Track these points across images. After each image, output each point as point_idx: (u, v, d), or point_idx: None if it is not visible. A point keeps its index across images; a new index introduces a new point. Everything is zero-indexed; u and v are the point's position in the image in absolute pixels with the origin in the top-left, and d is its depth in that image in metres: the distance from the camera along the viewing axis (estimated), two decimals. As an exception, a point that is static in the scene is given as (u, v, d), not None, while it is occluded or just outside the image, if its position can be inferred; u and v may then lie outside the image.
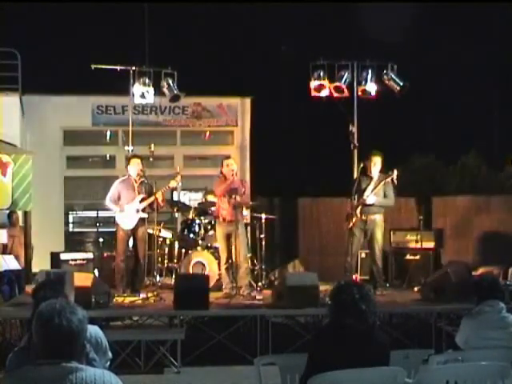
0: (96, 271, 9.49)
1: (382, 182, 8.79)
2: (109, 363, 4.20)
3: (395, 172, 8.79)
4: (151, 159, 9.44)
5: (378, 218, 8.92)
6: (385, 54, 11.02)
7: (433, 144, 17.48)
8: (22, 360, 3.41)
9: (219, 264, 9.25)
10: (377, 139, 10.55)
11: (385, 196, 8.93)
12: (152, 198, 8.88)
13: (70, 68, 14.70)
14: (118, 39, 15.19)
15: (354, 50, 11.68)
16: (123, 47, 14.29)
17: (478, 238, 11.99)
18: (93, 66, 10.34)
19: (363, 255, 9.91)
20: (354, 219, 8.86)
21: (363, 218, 8.85)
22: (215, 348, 7.57)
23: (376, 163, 8.91)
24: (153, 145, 9.41)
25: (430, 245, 10.44)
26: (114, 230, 9.27)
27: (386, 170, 8.96)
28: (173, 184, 9.03)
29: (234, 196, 8.74)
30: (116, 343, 6.54)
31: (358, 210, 8.82)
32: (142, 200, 8.92)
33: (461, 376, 3.97)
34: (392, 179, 8.78)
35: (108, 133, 13.30)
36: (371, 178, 8.89)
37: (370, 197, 8.77)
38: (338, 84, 10.35)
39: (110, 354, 4.25)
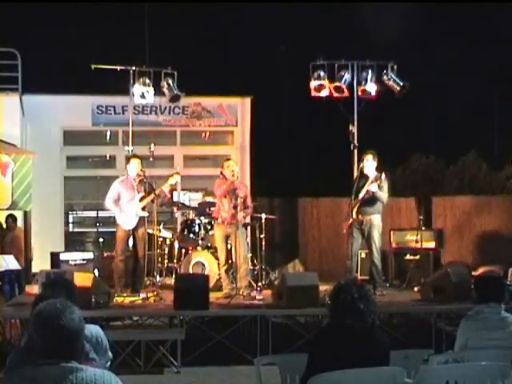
0: (96, 271, 9.48)
1: (375, 180, 8.75)
2: (109, 363, 4.20)
3: (383, 174, 8.77)
4: (151, 159, 9.43)
5: (375, 218, 8.89)
6: (385, 54, 11.02)
7: (433, 144, 17.50)
8: (22, 360, 3.41)
9: (219, 264, 9.24)
10: (377, 139, 10.56)
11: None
12: (151, 196, 8.87)
13: (70, 68, 14.71)
14: (118, 39, 15.21)
15: (354, 50, 11.67)
16: (123, 47, 14.31)
17: (478, 238, 11.99)
18: (93, 66, 10.33)
19: (363, 255, 9.90)
20: (350, 220, 8.85)
21: (360, 218, 8.84)
22: (215, 348, 7.56)
23: (368, 161, 8.89)
24: (153, 145, 9.41)
25: (430, 245, 10.44)
26: (114, 229, 9.26)
27: (382, 169, 8.93)
28: (171, 181, 9.02)
29: (234, 198, 8.74)
30: (116, 343, 6.54)
31: (354, 211, 8.81)
32: (142, 199, 8.91)
33: (461, 376, 3.97)
34: (380, 181, 8.73)
35: (108, 133, 13.30)
36: (367, 178, 8.88)
37: (372, 185, 8.71)
38: (338, 84, 10.35)
39: (110, 354, 4.24)
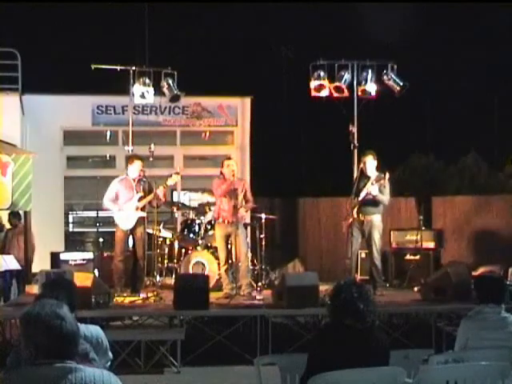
0: (96, 271, 9.48)
1: (376, 180, 8.74)
2: (109, 363, 4.20)
3: (387, 175, 8.75)
4: (151, 159, 9.43)
5: (375, 218, 8.88)
6: (385, 54, 11.03)
7: (433, 144, 17.52)
8: (22, 360, 3.40)
9: (219, 264, 9.24)
10: (377, 139, 10.56)
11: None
12: (150, 197, 8.86)
13: (70, 68, 14.72)
14: (118, 39, 15.21)
15: (354, 50, 11.67)
16: (123, 47, 14.31)
17: (478, 238, 11.98)
18: (93, 66, 10.33)
19: (363, 255, 9.90)
20: (350, 220, 8.85)
21: (360, 218, 8.83)
22: (215, 348, 7.56)
23: (368, 162, 8.88)
24: (153, 145, 9.40)
25: (430, 245, 10.45)
26: (114, 230, 9.25)
27: (384, 169, 8.93)
28: (170, 182, 9.00)
29: (234, 197, 8.73)
30: (116, 343, 6.54)
31: (355, 211, 8.80)
32: (141, 199, 8.89)
33: (461, 376, 3.97)
34: (383, 181, 8.72)
35: (108, 133, 13.30)
36: (369, 178, 8.87)
37: (373, 188, 8.70)
38: (337, 84, 10.35)
39: (110, 355, 4.23)
